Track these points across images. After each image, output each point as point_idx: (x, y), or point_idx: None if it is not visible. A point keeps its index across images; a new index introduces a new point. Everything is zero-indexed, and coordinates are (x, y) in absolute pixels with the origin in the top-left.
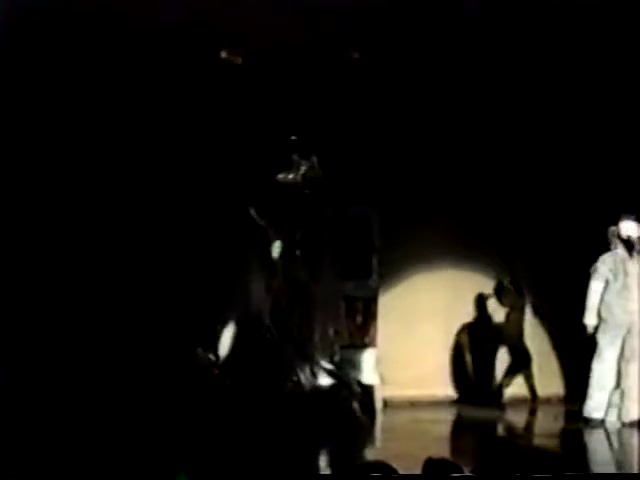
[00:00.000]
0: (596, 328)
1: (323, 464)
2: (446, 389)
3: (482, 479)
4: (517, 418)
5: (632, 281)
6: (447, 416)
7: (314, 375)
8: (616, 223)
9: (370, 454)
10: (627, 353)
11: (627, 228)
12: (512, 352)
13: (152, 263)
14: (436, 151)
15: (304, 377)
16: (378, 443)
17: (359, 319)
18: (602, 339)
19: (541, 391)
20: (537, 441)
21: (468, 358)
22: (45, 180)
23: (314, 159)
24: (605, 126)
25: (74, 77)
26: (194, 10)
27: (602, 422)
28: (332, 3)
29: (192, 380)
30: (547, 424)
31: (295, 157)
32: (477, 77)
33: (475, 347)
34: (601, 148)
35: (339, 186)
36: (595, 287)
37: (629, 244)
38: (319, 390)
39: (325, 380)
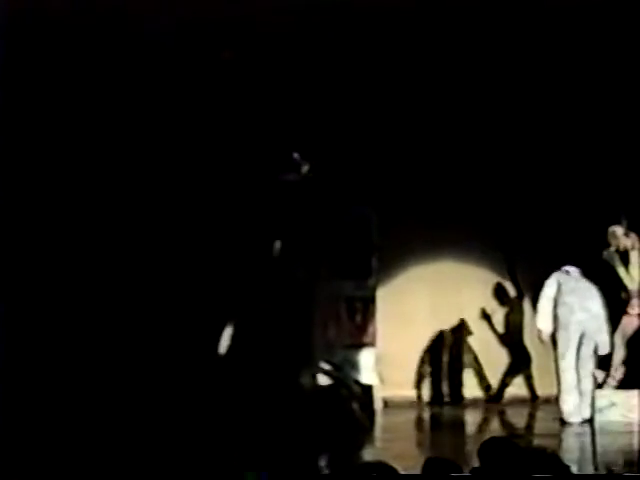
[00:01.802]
0: (555, 333)
1: (323, 464)
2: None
3: (482, 479)
4: (517, 418)
5: (582, 285)
6: (447, 416)
7: (314, 375)
8: (617, 222)
9: (370, 454)
10: (583, 354)
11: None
12: (512, 352)
13: (151, 263)
14: (436, 153)
15: (304, 377)
16: (378, 443)
17: (358, 319)
18: (561, 342)
19: (541, 391)
20: (537, 441)
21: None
22: (50, 181)
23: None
24: (605, 124)
25: (74, 77)
26: (193, 10)
27: (586, 422)
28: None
29: (188, 379)
30: (547, 424)
31: (296, 157)
32: (473, 76)
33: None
34: (602, 147)
35: (339, 186)
36: (547, 292)
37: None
38: (319, 390)
39: (324, 380)
